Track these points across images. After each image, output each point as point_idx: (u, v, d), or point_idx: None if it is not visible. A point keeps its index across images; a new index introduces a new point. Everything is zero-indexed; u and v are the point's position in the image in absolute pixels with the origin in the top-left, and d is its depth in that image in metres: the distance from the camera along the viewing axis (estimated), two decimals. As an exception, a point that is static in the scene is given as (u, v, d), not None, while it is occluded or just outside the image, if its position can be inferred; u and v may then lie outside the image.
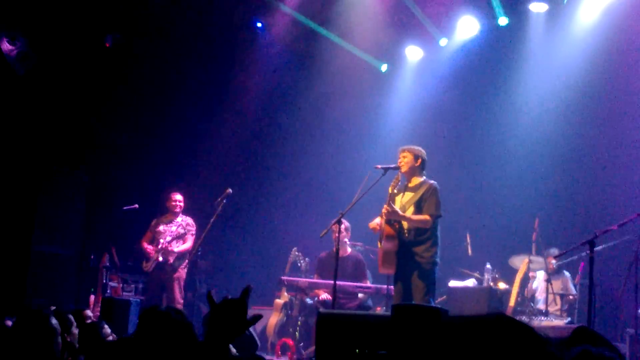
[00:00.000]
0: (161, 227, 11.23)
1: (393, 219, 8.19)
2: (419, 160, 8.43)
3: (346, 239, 10.57)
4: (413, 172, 8.42)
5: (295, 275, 11.19)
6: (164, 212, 11.44)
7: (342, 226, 9.03)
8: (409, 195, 8.38)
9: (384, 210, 8.17)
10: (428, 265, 8.16)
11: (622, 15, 11.01)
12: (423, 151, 8.52)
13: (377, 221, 8.43)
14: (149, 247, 11.11)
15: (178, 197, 11.36)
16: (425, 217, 8.17)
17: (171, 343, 4.35)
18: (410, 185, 8.45)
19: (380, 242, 8.32)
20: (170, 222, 11.28)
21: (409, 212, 8.25)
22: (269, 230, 13.50)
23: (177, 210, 11.31)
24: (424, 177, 8.46)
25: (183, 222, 11.29)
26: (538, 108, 11.89)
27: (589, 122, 11.50)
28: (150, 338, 4.58)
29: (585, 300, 8.47)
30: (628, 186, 10.56)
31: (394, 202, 8.27)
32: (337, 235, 8.85)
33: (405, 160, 8.41)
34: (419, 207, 8.26)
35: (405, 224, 8.26)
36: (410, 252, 8.18)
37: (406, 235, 8.24)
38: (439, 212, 8.24)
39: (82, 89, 12.67)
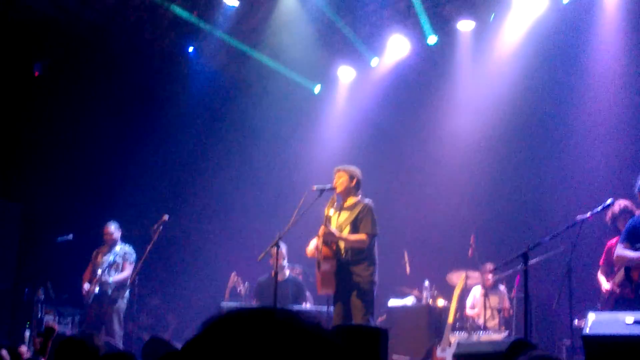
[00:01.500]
0: (100, 258, 11.08)
1: (330, 240, 8.21)
2: (354, 180, 8.46)
3: (284, 262, 10.54)
4: (348, 192, 8.46)
5: (235, 300, 11.10)
6: (103, 242, 11.29)
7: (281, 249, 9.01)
8: (345, 214, 8.40)
9: (320, 232, 8.18)
10: (366, 285, 8.18)
11: (547, 31, 11.28)
12: (358, 171, 8.56)
13: (313, 243, 8.44)
14: (84, 285, 10.91)
15: (111, 229, 11.18)
16: (362, 236, 8.20)
17: None
18: (345, 205, 8.48)
19: (318, 267, 8.31)
20: (109, 252, 11.13)
21: (346, 232, 8.27)
22: (206, 256, 13.39)
23: (112, 242, 11.15)
24: (360, 197, 8.50)
25: (121, 251, 11.14)
26: (470, 123, 12.07)
27: (520, 136, 11.72)
28: None
29: (522, 314, 8.56)
30: (559, 200, 10.76)
31: (330, 222, 8.28)
32: (275, 258, 8.82)
33: (340, 181, 8.44)
34: (355, 227, 8.29)
35: (342, 244, 8.28)
36: (348, 272, 8.19)
37: (343, 255, 8.26)
38: (374, 230, 8.28)
39: (12, 119, 12.46)
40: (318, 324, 1.28)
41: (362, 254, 8.23)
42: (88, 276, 11.04)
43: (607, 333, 6.51)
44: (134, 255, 11.16)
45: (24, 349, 8.58)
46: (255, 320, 1.24)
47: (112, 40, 12.98)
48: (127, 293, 11.02)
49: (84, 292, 10.86)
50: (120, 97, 13.30)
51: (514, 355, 5.15)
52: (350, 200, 8.47)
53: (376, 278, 8.29)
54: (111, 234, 11.16)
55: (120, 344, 10.49)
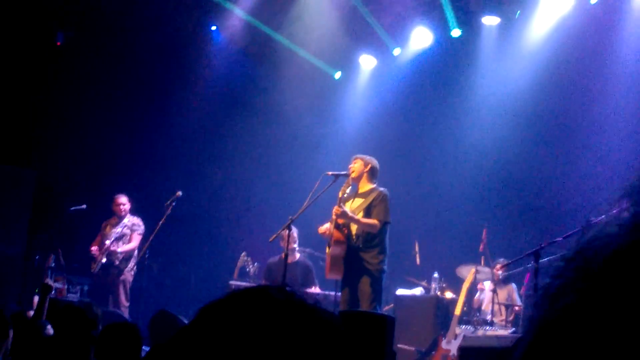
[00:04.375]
0: (108, 229, 11.14)
1: (343, 219, 8.21)
2: (369, 166, 8.47)
3: (295, 245, 10.55)
4: (362, 177, 8.46)
5: (243, 280, 11.12)
6: (113, 214, 11.34)
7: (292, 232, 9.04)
8: (358, 201, 8.41)
9: (334, 211, 8.17)
10: (376, 273, 8.19)
11: (572, 30, 11.20)
12: (375, 160, 8.57)
13: (326, 226, 8.45)
14: (94, 249, 10.99)
15: (122, 200, 11.24)
16: (374, 221, 8.20)
17: (83, 336, 4.40)
18: (360, 191, 8.49)
19: (329, 247, 8.33)
20: (117, 223, 11.18)
21: (358, 217, 8.27)
22: (218, 234, 13.43)
23: (122, 213, 11.21)
24: (375, 185, 8.50)
25: (129, 223, 11.20)
26: (489, 119, 12.04)
27: (539, 134, 11.68)
28: (64, 333, 4.64)
29: (529, 311, 8.54)
30: (575, 199, 10.72)
31: (344, 204, 8.29)
32: (286, 240, 8.85)
33: (355, 166, 8.46)
34: (368, 213, 8.29)
35: (354, 229, 8.28)
36: (358, 258, 8.20)
37: (354, 240, 8.26)
38: (387, 218, 8.28)
39: (31, 87, 12.51)
40: (316, 303, 1.24)
41: (373, 240, 8.23)
42: (96, 246, 11.10)
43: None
44: (142, 227, 11.22)
45: (32, 313, 8.65)
46: (250, 298, 1.20)
47: (136, 14, 12.99)
48: (134, 265, 11.09)
49: (94, 254, 10.89)
50: (141, 71, 13.32)
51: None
52: (365, 187, 8.48)
53: (386, 267, 8.30)
54: (123, 204, 11.22)
55: (126, 316, 10.55)
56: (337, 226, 8.24)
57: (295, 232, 10.19)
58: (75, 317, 4.98)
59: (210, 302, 1.21)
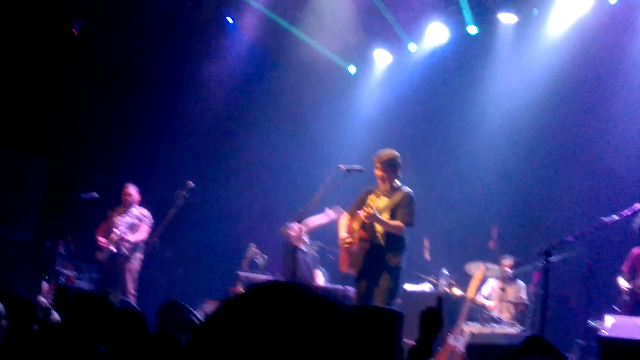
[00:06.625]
0: (115, 218, 11.16)
1: (371, 221, 8.19)
2: (393, 166, 8.35)
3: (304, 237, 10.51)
4: (390, 179, 8.37)
5: (253, 271, 11.12)
6: (120, 203, 11.38)
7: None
8: (384, 200, 8.35)
9: (364, 213, 8.15)
10: (395, 270, 8.20)
11: (591, 30, 11.13)
12: (394, 153, 8.41)
13: (344, 223, 8.46)
14: (101, 240, 11.03)
15: (131, 190, 11.30)
16: (399, 223, 8.19)
17: (98, 324, 4.41)
18: (384, 189, 8.40)
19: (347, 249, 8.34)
20: (125, 213, 11.22)
21: (384, 218, 8.23)
22: (228, 225, 13.42)
23: (128, 202, 11.24)
24: (399, 183, 8.44)
25: (138, 213, 11.25)
26: (502, 116, 11.99)
27: (551, 133, 11.64)
28: (78, 321, 4.64)
29: (537, 310, 8.53)
30: (585, 198, 10.68)
31: (365, 202, 8.28)
32: (297, 233, 8.85)
33: (380, 174, 8.33)
34: (393, 214, 8.27)
35: (378, 228, 8.25)
36: (379, 256, 8.20)
37: (378, 238, 8.24)
38: (412, 221, 8.27)
39: (46, 75, 12.54)
40: (337, 301, 1.26)
41: (395, 239, 8.22)
42: (101, 234, 11.16)
43: (626, 337, 6.47)
44: (151, 219, 11.27)
45: (42, 298, 8.70)
46: (277, 293, 1.22)
47: (151, 4, 13.00)
48: (141, 254, 11.13)
49: (102, 246, 10.95)
50: (154, 61, 13.34)
51: (529, 350, 5.14)
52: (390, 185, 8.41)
53: (403, 264, 8.30)
54: (130, 195, 11.26)
55: (134, 304, 10.58)
56: (363, 225, 8.25)
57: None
58: (92, 305, 4.98)
59: (234, 296, 1.22)
